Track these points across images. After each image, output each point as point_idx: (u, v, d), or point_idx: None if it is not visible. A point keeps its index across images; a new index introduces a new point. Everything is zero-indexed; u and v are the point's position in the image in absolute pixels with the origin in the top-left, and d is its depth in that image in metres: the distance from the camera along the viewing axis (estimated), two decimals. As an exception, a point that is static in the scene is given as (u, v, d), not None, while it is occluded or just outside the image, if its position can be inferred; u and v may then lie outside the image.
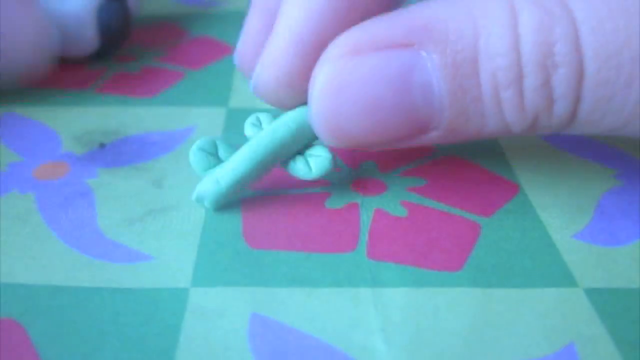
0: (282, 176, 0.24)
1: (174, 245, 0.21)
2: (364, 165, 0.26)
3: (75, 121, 0.28)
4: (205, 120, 0.29)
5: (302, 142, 0.22)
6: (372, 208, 0.23)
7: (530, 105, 0.18)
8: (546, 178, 0.26)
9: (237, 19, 0.29)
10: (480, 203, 0.24)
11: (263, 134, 0.22)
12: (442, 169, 0.26)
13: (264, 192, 0.24)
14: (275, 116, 0.23)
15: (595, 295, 0.20)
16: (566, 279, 0.21)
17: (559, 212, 0.24)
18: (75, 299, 0.19)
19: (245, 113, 0.24)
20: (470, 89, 0.18)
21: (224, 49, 0.36)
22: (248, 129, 0.23)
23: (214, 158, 0.22)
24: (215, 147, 0.22)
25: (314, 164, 0.22)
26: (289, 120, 0.22)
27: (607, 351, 0.18)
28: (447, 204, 0.24)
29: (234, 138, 0.24)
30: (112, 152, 0.26)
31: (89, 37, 0.31)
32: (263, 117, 0.23)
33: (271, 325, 0.18)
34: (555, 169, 0.26)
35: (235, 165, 0.22)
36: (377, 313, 0.19)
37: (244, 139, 0.23)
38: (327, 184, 0.24)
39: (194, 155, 0.22)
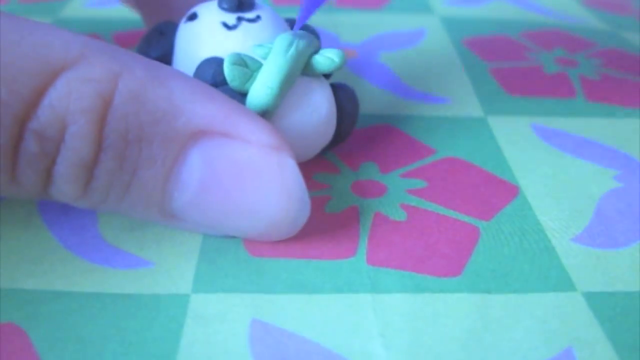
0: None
1: (174, 251, 0.21)
2: (365, 167, 0.26)
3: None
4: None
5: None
6: (371, 212, 0.23)
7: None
8: (546, 180, 0.26)
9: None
10: (480, 206, 0.24)
11: (278, 42, 0.22)
12: (443, 170, 0.26)
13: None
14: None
15: (594, 299, 0.20)
16: (565, 283, 0.21)
17: (558, 214, 0.24)
18: (76, 304, 0.19)
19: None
20: None
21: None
22: (256, 51, 0.23)
23: (248, 69, 0.22)
24: (244, 60, 0.22)
25: (332, 54, 0.23)
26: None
27: (606, 355, 0.18)
28: (446, 207, 0.24)
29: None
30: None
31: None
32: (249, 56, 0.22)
33: (271, 331, 0.19)
34: (555, 170, 0.26)
35: (274, 66, 0.21)
36: (377, 318, 0.19)
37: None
38: (326, 186, 0.24)
39: (231, 71, 0.22)
